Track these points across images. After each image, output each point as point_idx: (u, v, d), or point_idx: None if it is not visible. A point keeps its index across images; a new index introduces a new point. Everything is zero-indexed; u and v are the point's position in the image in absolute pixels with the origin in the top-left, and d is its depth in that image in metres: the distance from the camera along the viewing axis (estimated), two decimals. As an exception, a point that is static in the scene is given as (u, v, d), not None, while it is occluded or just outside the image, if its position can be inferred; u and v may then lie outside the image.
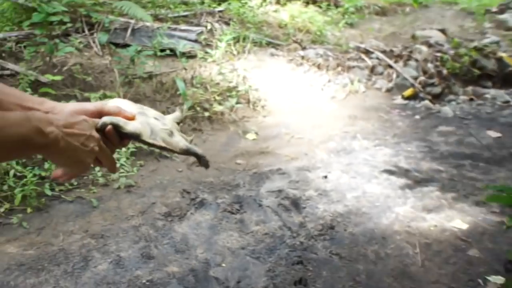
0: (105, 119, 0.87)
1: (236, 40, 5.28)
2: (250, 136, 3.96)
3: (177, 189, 3.02)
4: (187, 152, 0.95)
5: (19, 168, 2.73)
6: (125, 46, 4.54)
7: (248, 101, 4.43)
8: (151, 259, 2.35)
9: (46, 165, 2.86)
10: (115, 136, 0.88)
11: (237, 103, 4.24)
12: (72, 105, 0.89)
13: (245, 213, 2.82)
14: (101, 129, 0.86)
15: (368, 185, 3.24)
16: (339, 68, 5.50)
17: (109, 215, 2.69)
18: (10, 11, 4.47)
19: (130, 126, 0.88)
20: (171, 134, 0.93)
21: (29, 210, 2.61)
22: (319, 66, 5.45)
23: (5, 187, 2.66)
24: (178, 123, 1.01)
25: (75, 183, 2.90)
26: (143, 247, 2.43)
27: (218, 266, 2.35)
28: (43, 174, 2.81)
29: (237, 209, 2.85)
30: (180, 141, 0.94)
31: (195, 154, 0.96)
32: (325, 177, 3.32)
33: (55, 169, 0.83)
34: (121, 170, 3.07)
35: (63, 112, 0.85)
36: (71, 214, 2.66)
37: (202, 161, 0.97)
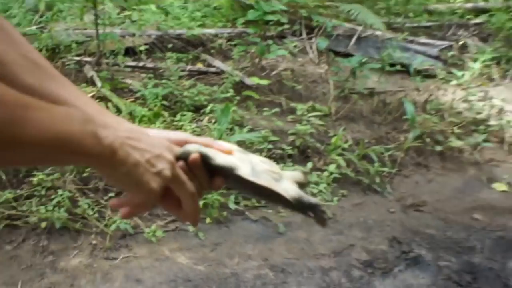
0: (190, 146, 0.81)
1: (496, 61, 5.11)
2: (499, 186, 3.66)
3: (384, 234, 2.94)
4: (298, 201, 0.86)
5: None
6: (347, 55, 4.71)
7: (502, 141, 4.15)
8: (338, 315, 2.27)
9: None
10: (202, 170, 0.79)
11: (484, 140, 4.01)
12: (150, 131, 0.82)
13: (479, 289, 2.59)
14: (182, 158, 0.79)
15: None
16: None
17: (295, 247, 2.72)
18: (226, 8, 5.11)
19: (221, 158, 0.81)
20: (279, 179, 0.86)
21: (208, 220, 2.80)
22: None
23: (187, 191, 2.91)
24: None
25: (263, 201, 3.01)
26: (330, 297, 2.38)
27: None
28: (230, 185, 3.00)
29: (468, 281, 2.65)
30: (290, 188, 0.86)
31: (309, 205, 0.87)
32: None
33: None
34: (319, 197, 3.09)
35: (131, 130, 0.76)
36: (252, 235, 2.78)
37: (318, 215, 0.88)
